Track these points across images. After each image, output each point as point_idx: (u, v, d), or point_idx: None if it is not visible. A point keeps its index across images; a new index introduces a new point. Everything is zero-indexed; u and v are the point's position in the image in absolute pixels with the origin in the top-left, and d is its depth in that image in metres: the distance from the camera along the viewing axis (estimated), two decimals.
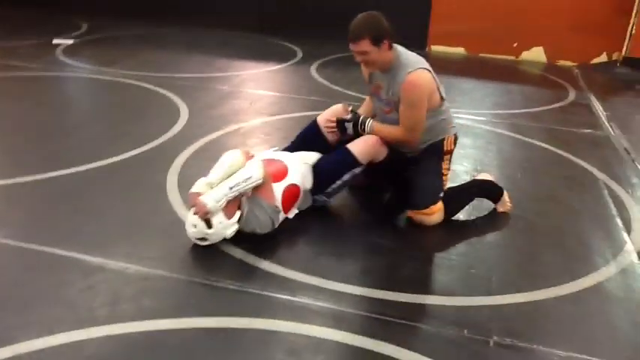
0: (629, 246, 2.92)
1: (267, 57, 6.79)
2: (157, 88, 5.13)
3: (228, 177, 2.66)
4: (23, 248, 2.59)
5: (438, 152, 3.05)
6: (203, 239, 2.62)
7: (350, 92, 5.27)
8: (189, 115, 4.49)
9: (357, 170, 2.98)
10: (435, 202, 2.94)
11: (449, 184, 3.19)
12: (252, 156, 2.86)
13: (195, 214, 2.57)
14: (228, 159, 2.75)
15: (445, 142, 3.06)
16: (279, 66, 6.36)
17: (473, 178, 3.32)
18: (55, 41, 6.84)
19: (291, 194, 2.85)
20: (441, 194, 2.98)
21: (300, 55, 6.95)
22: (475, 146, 4.18)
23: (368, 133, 3.00)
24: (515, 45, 7.36)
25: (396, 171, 3.13)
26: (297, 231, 2.86)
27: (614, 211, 3.29)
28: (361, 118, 3.05)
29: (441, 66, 7.06)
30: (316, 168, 3.01)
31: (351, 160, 2.95)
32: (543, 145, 4.29)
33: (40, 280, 2.38)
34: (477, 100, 5.49)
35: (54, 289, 2.32)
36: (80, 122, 4.30)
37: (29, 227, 2.78)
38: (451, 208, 3.02)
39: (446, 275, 2.62)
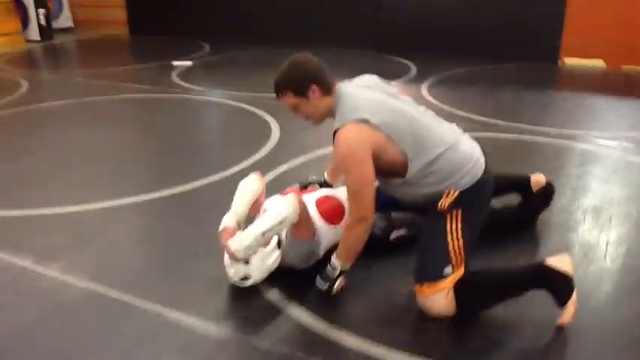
0: None
1: (379, 74, 6.44)
2: (255, 109, 5.04)
3: (249, 202, 2.50)
4: (60, 282, 2.49)
5: (434, 211, 2.25)
6: (245, 278, 2.36)
7: (459, 112, 4.79)
8: (279, 137, 4.31)
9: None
10: (434, 280, 2.18)
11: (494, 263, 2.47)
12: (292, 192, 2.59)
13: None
14: (243, 186, 2.56)
15: (443, 196, 2.22)
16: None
17: (541, 261, 2.20)
18: (175, 63, 7.07)
19: (328, 203, 2.54)
20: (448, 270, 2.17)
21: (413, 72, 6.57)
22: (597, 177, 3.54)
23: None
24: None
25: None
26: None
27: None
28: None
29: (574, 82, 6.36)
30: None
31: None
32: None
33: (63, 320, 2.24)
34: (609, 121, 4.74)
35: (72, 331, 2.18)
36: (172, 146, 4.27)
37: (71, 258, 2.69)
38: (473, 298, 2.20)
39: None
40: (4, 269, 2.60)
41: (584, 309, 2.25)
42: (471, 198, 2.23)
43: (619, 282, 2.47)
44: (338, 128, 2.20)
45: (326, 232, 2.49)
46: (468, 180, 2.22)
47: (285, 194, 2.55)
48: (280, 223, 2.27)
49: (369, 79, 2.42)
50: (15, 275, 2.56)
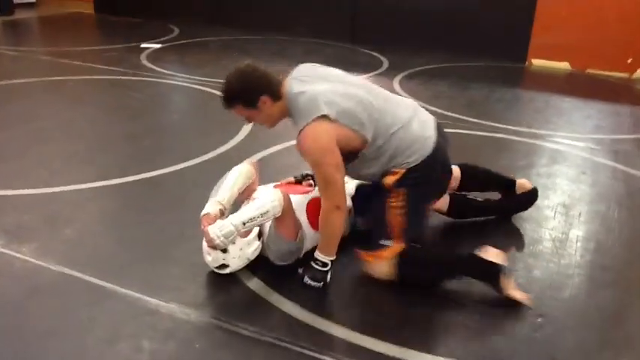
0: None
1: (351, 66, 6.46)
2: None
3: (237, 190, 2.50)
4: (34, 264, 2.42)
5: (380, 188, 2.38)
6: (223, 266, 2.35)
7: (431, 107, 4.84)
8: (253, 125, 4.26)
9: None
10: (373, 249, 2.32)
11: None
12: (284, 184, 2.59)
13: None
14: (235, 173, 2.56)
15: (389, 174, 2.34)
16: (360, 76, 6.01)
17: (472, 253, 2.37)
18: (144, 45, 6.93)
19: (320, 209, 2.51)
20: (386, 242, 2.32)
21: (385, 65, 6.60)
22: (566, 176, 3.63)
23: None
24: (629, 61, 6.58)
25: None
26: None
27: None
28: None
29: (541, 82, 6.51)
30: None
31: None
32: None
33: (40, 304, 2.19)
34: (576, 122, 4.87)
35: (52, 315, 2.13)
36: (142, 130, 4.20)
37: (43, 240, 2.62)
38: (411, 271, 2.33)
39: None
40: None
41: (557, 300, 2.35)
42: (417, 176, 2.32)
43: (588, 276, 2.55)
44: (300, 131, 2.20)
45: (312, 237, 2.47)
46: (414, 159, 2.31)
47: (278, 187, 2.54)
48: (262, 215, 2.26)
49: (310, 69, 2.39)
50: None
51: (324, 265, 2.31)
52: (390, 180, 2.32)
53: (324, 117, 2.17)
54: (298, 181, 2.79)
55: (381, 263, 2.32)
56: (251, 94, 2.25)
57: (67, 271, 2.39)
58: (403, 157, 2.31)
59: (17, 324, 2.08)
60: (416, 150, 2.31)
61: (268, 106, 2.28)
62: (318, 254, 2.32)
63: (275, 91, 2.27)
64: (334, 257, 2.33)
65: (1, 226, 2.72)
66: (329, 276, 2.33)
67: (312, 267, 2.32)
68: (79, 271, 2.38)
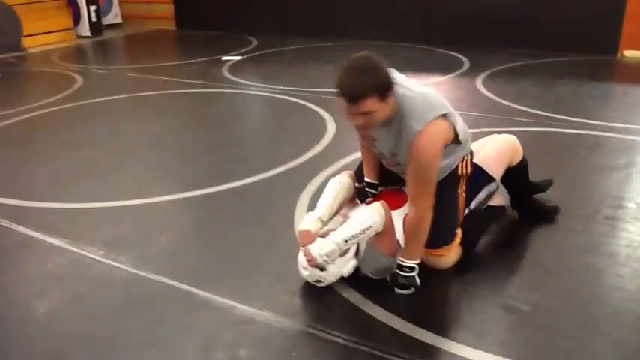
0: None
1: (430, 68, 6.39)
2: (308, 104, 5.00)
3: (338, 205, 2.44)
4: (132, 274, 2.50)
5: (452, 180, 2.35)
6: (318, 281, 2.33)
7: (517, 106, 4.67)
8: (335, 132, 4.26)
9: (493, 187, 2.56)
10: (451, 241, 2.36)
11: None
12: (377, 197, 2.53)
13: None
14: (334, 186, 2.49)
15: (459, 167, 2.35)
16: (442, 77, 5.91)
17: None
18: (225, 58, 7.09)
19: None
20: (458, 230, 2.38)
21: (466, 65, 6.43)
22: None
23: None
24: None
25: None
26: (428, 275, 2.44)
27: None
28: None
29: (634, 75, 6.13)
30: None
31: (484, 179, 2.53)
32: None
33: (138, 313, 2.25)
34: None
35: (149, 324, 2.18)
36: (226, 140, 4.28)
37: (139, 250, 2.70)
38: (471, 237, 2.46)
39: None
40: (77, 260, 2.63)
41: None
42: (472, 158, 2.44)
43: None
44: (419, 132, 2.08)
45: None
46: (469, 146, 2.40)
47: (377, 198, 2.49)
48: (364, 231, 2.22)
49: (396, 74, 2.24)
50: (87, 266, 2.58)
51: (412, 269, 2.26)
52: (464, 169, 2.37)
53: (444, 116, 2.14)
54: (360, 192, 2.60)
55: (453, 251, 2.40)
56: (387, 83, 2.02)
57: (163, 279, 2.45)
58: (469, 144, 2.38)
59: (115, 333, 2.14)
60: (468, 139, 2.38)
61: (392, 102, 2.08)
62: (404, 261, 2.26)
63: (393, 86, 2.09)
64: (420, 260, 2.29)
65: (100, 237, 2.83)
66: (417, 279, 2.27)
67: (400, 275, 2.27)
68: (175, 280, 2.44)
